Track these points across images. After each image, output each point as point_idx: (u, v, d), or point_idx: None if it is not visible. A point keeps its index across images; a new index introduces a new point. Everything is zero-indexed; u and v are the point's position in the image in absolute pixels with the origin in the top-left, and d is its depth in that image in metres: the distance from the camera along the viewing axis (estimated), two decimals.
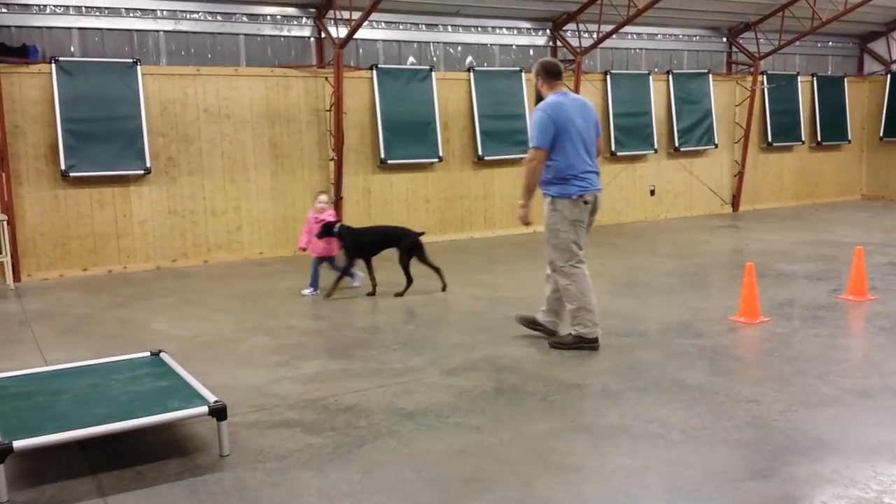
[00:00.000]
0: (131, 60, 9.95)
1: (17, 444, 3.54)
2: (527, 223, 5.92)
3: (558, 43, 13.26)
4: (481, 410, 4.57)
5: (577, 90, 12.44)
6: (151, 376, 4.55)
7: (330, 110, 11.16)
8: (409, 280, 8.01)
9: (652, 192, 14.34)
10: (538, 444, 4.05)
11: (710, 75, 14.55)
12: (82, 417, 3.92)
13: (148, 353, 4.99)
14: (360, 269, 8.27)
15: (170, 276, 9.60)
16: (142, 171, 9.96)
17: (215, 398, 3.99)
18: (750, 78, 14.82)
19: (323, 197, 8.57)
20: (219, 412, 3.89)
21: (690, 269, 9.25)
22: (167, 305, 7.85)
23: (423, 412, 4.56)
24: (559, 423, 4.33)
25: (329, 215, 8.36)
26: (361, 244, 8.05)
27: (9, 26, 9.53)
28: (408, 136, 11.72)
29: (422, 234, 8.27)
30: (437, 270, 8.13)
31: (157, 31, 10.40)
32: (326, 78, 11.18)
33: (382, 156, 11.53)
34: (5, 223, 9.05)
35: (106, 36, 10.10)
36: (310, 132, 11.24)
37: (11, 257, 9.16)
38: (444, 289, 8.09)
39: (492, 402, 4.73)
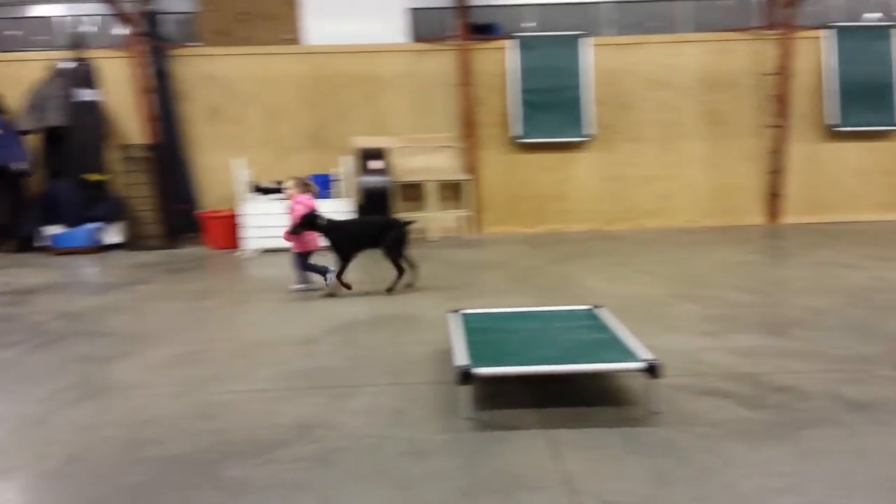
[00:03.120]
0: (580, 33, 10.51)
1: (477, 370, 4.10)
2: None
3: None
4: None
5: None
6: (589, 328, 4.86)
7: (775, 74, 10.47)
8: (402, 270, 7.18)
9: None
10: None
11: None
12: (531, 356, 4.37)
13: (587, 307, 5.34)
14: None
15: (603, 238, 10.07)
16: (583, 139, 10.55)
17: (651, 355, 4.13)
18: None
19: (288, 182, 7.44)
20: (654, 370, 4.02)
21: None
22: (601, 265, 8.26)
23: (872, 405, 4.13)
24: None
25: (301, 203, 7.16)
26: (355, 238, 7.11)
27: (475, 6, 10.74)
28: (865, 101, 10.49)
29: (411, 222, 7.29)
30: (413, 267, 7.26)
31: (606, 1, 10.80)
32: (772, 40, 10.49)
33: (833, 121, 10.48)
34: (470, 182, 10.39)
35: (559, 10, 10.81)
36: (750, 98, 10.72)
37: (473, 212, 10.51)
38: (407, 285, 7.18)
39: None
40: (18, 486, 3.49)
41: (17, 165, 9.90)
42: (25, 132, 10.01)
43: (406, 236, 7.20)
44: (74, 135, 9.88)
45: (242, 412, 4.29)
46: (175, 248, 10.32)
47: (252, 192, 10.01)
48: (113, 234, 10.29)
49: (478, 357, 4.26)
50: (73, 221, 10.07)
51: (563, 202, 10.80)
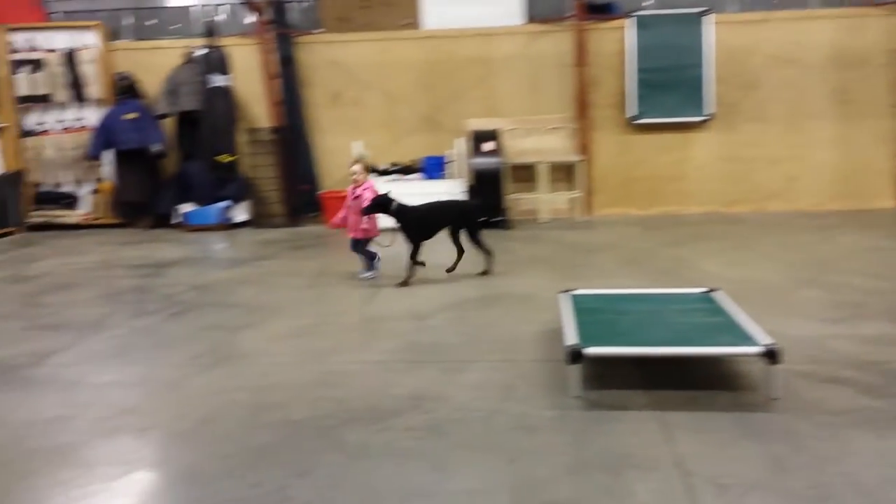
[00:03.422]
0: (701, 10, 10.17)
1: (588, 350, 4.11)
2: None
3: None
4: None
5: None
6: (705, 311, 4.78)
7: None
8: (489, 252, 7.09)
9: None
10: None
11: None
12: (643, 338, 4.35)
13: (702, 290, 5.23)
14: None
15: (722, 220, 9.77)
16: (703, 118, 10.25)
17: (771, 340, 4.02)
18: None
19: (356, 167, 7.21)
20: (772, 354, 3.92)
21: None
22: (718, 248, 8.04)
23: None
24: None
25: (369, 188, 7.02)
26: (425, 223, 6.92)
27: None
28: None
29: (480, 203, 7.32)
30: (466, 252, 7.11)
31: None
32: None
33: None
34: (582, 163, 10.30)
35: None
36: (883, 76, 10.10)
37: (585, 194, 10.42)
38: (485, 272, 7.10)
39: None
40: (157, 444, 3.81)
41: (154, 147, 10.58)
42: (162, 116, 10.67)
43: (480, 219, 7.16)
44: (207, 118, 10.41)
45: (359, 382, 4.49)
46: (297, 226, 10.77)
47: (369, 173, 10.29)
48: (240, 213, 10.84)
49: (588, 337, 4.28)
50: (204, 200, 10.68)
51: (680, 183, 10.53)
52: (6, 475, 3.47)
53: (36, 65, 10.80)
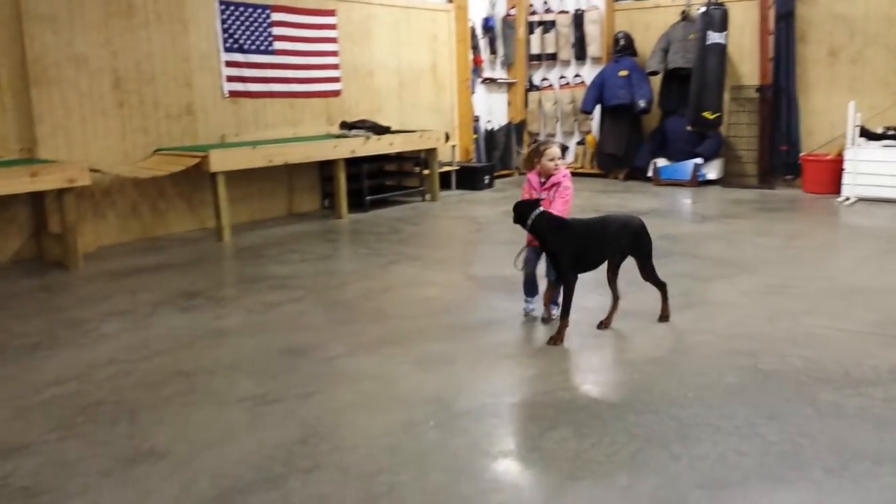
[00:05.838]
0: None
1: None
2: None
3: None
4: None
5: None
6: None
7: None
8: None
9: None
10: None
11: None
12: None
13: None
14: None
15: None
16: None
17: None
18: None
19: (555, 149, 4.93)
20: None
21: None
22: None
23: None
24: None
25: (567, 177, 4.99)
26: (585, 247, 4.68)
27: None
28: None
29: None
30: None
31: None
32: None
33: None
34: None
35: None
36: None
37: None
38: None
39: None
40: (632, 365, 4.29)
41: (640, 104, 11.17)
42: (652, 73, 11.17)
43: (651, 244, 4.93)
44: (698, 75, 10.48)
45: (832, 346, 4.41)
46: (769, 188, 10.48)
47: (861, 136, 9.51)
48: (711, 170, 10.91)
49: None
50: (677, 156, 11.00)
51: None
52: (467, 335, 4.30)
53: (547, 26, 12.16)
